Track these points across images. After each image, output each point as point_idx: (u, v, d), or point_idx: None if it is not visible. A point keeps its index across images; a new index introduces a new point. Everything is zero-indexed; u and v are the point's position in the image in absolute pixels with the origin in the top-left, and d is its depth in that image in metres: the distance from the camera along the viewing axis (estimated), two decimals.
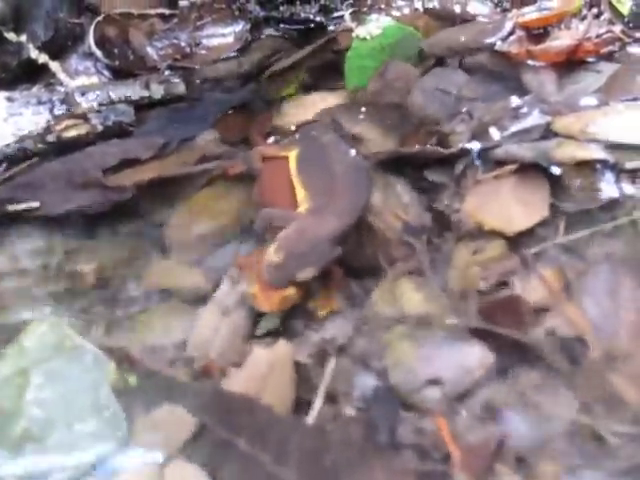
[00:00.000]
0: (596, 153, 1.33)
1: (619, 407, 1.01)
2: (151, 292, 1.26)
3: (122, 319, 1.22)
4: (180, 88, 1.67)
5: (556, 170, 1.31)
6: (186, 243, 1.33)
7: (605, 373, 1.05)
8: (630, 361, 1.06)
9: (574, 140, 1.37)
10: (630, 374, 1.04)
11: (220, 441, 1.01)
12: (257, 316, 1.18)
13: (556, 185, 1.31)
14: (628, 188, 1.29)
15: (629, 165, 1.31)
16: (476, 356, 1.08)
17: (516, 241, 1.24)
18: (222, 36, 1.82)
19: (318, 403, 1.06)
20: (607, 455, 0.97)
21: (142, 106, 1.64)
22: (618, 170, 1.31)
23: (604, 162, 1.31)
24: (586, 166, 1.32)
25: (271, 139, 1.54)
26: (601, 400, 1.02)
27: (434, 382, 1.06)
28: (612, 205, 1.27)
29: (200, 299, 1.22)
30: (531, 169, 1.33)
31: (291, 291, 1.15)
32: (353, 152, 1.41)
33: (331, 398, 1.07)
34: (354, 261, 1.25)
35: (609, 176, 1.31)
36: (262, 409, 1.04)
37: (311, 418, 1.05)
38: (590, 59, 1.59)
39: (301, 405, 1.07)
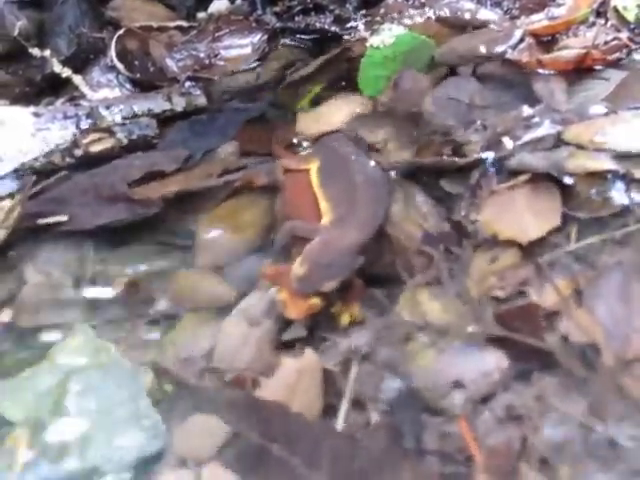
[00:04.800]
0: (606, 164, 1.35)
1: (633, 411, 1.03)
2: (179, 302, 1.28)
3: (152, 330, 1.25)
4: (201, 100, 1.69)
5: (568, 180, 1.33)
6: (212, 254, 1.36)
7: (618, 377, 1.06)
8: None
9: (584, 150, 1.38)
10: None
11: (253, 447, 1.04)
12: (284, 325, 1.20)
13: (567, 194, 1.33)
14: (638, 196, 1.31)
15: (639, 174, 1.32)
16: (492, 362, 1.11)
17: (530, 249, 1.26)
18: (240, 47, 1.84)
19: (344, 409, 1.09)
20: (621, 458, 0.99)
21: (164, 118, 1.66)
22: (628, 180, 1.33)
23: (614, 172, 1.33)
24: (597, 175, 1.34)
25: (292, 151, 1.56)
26: (615, 404, 1.04)
27: (455, 387, 1.08)
28: (622, 213, 1.29)
29: (227, 309, 1.24)
30: (543, 178, 1.35)
31: (317, 300, 1.18)
32: (372, 163, 1.43)
33: (358, 404, 1.10)
34: (374, 270, 1.27)
35: (619, 185, 1.33)
36: (293, 415, 1.07)
37: (339, 424, 1.08)
38: (598, 67, 1.61)
39: (328, 411, 1.10)
